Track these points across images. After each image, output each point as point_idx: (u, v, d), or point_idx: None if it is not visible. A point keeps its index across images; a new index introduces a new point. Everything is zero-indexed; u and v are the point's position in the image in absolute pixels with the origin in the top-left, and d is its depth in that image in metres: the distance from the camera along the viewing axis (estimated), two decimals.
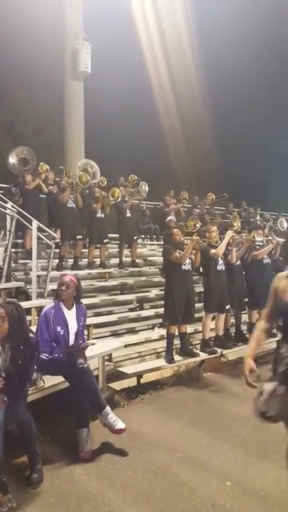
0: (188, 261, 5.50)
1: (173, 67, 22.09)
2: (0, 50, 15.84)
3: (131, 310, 7.46)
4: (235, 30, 20.64)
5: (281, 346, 2.49)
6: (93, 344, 5.14)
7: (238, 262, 6.40)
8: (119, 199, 8.14)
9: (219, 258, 5.87)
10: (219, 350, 5.91)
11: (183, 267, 5.45)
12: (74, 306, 3.96)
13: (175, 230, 5.78)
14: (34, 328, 4.62)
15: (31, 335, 3.33)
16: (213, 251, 5.74)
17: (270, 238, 6.91)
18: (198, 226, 6.05)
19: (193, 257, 5.59)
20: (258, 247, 6.65)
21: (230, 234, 5.95)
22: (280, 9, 20.27)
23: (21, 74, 17.05)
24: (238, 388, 5.23)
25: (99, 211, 8.12)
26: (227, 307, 5.92)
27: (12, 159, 8.24)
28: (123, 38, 18.57)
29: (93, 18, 12.01)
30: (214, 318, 6.05)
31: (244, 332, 6.63)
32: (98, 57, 11.32)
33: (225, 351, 6.05)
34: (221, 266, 5.90)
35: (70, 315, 3.90)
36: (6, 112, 17.66)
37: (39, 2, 13.88)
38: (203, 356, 5.73)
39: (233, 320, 6.50)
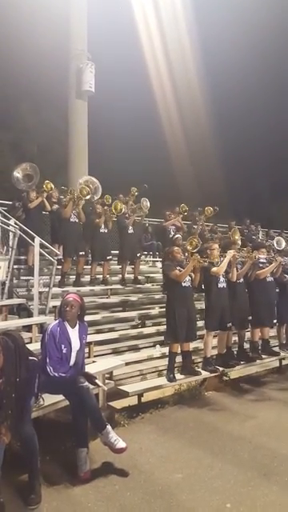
0: (188, 278, 5.50)
1: (177, 84, 22.49)
2: (7, 71, 16.26)
3: (133, 327, 7.44)
4: (241, 43, 21.05)
5: None
6: (94, 362, 5.15)
7: (241, 280, 6.39)
8: (122, 212, 8.19)
9: (220, 276, 5.87)
10: (221, 369, 5.87)
11: (183, 284, 5.44)
12: (78, 324, 3.98)
13: (176, 248, 5.79)
14: (34, 345, 4.64)
15: (33, 358, 3.31)
16: (214, 270, 5.74)
17: (272, 256, 6.90)
18: (199, 245, 6.04)
19: (193, 274, 5.59)
20: (261, 265, 6.65)
21: (231, 252, 5.95)
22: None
23: (27, 94, 17.48)
24: (239, 407, 5.20)
25: (102, 226, 8.17)
26: (228, 325, 5.89)
27: (17, 174, 8.33)
28: (127, 57, 19.02)
29: (97, 38, 12.33)
30: (215, 336, 6.02)
31: (247, 350, 6.59)
32: (101, 76, 11.57)
33: (227, 370, 6.00)
34: (222, 284, 5.90)
35: (74, 334, 3.92)
36: (12, 131, 18.03)
37: (44, 24, 14.28)
38: (205, 374, 5.68)
39: (235, 338, 6.47)
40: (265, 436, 4.32)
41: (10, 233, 6.43)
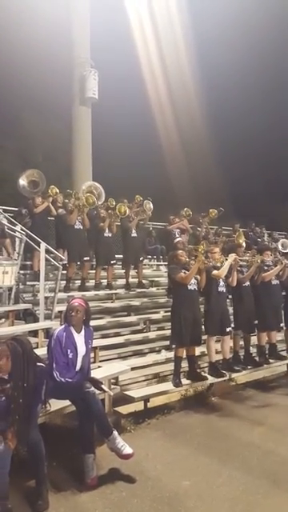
0: (194, 281, 5.47)
1: (179, 88, 22.62)
2: (10, 80, 16.43)
3: (138, 331, 7.41)
4: (239, 46, 21.17)
5: None
6: (99, 367, 5.12)
7: (247, 283, 6.36)
8: (126, 214, 8.18)
9: (220, 280, 5.83)
10: (228, 374, 5.81)
11: (189, 287, 5.41)
12: (83, 329, 3.96)
13: (180, 251, 5.77)
14: (40, 351, 4.62)
15: (41, 364, 3.29)
16: (215, 272, 5.69)
17: (277, 259, 6.86)
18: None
19: (198, 277, 5.57)
20: (266, 268, 6.61)
21: (232, 256, 5.92)
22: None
23: (31, 102, 17.65)
24: (247, 413, 5.14)
25: (107, 230, 8.16)
26: (228, 329, 5.83)
27: (22, 181, 8.33)
28: (128, 64, 19.19)
29: (99, 45, 12.46)
30: (218, 341, 5.98)
31: (253, 355, 6.54)
32: (104, 83, 11.64)
33: (234, 374, 5.95)
34: (222, 288, 5.85)
35: (79, 339, 3.91)
36: (16, 139, 18.12)
37: (48, 33, 14.44)
38: (211, 379, 5.64)
39: (241, 342, 6.42)
40: (273, 442, 4.26)
41: (17, 239, 6.46)
